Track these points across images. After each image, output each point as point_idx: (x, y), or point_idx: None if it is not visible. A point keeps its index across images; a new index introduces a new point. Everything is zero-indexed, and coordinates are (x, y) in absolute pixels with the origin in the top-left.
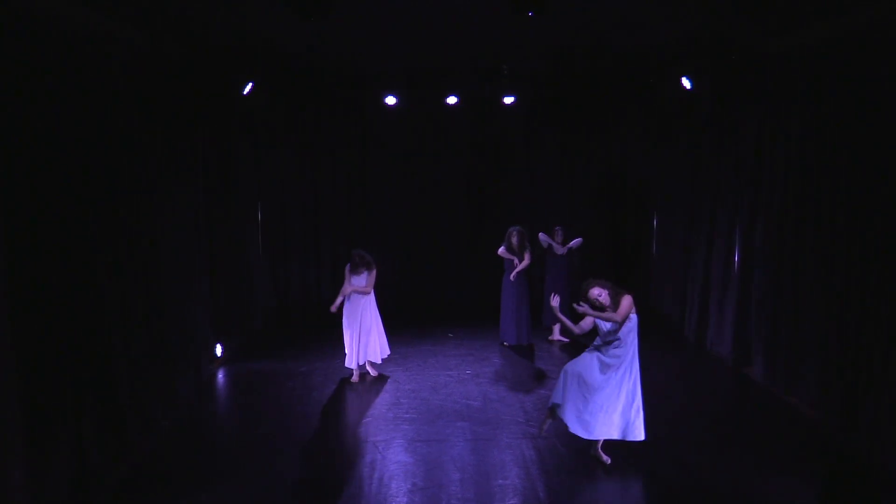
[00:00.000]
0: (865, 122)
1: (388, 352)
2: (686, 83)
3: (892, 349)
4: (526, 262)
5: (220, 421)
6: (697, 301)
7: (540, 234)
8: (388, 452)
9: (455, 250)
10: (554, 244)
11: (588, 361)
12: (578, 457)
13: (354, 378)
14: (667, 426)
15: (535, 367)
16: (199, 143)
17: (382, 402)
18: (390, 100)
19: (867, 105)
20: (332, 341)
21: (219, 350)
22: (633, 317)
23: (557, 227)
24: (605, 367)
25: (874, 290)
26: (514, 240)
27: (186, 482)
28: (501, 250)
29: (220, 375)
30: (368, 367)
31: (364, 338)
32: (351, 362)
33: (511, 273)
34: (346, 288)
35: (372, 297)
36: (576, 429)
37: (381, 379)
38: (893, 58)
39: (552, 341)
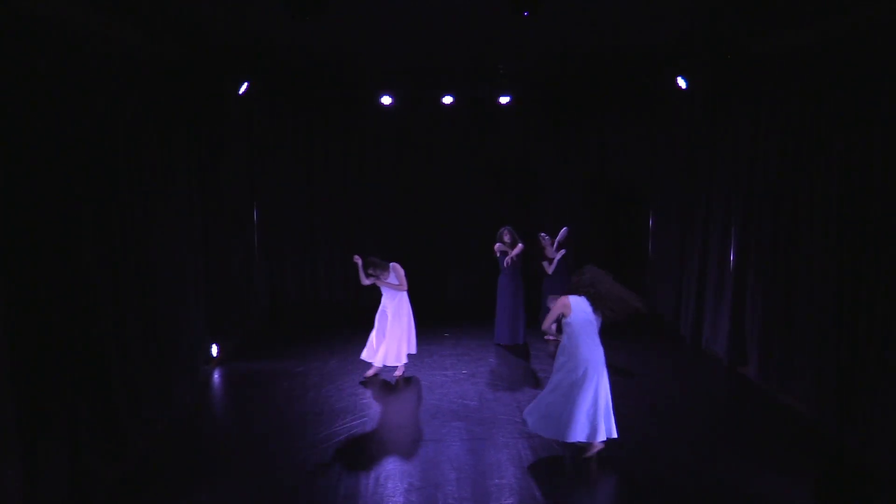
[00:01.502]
0: (860, 122)
1: (405, 359)
2: (681, 83)
3: (887, 347)
4: (519, 247)
5: (217, 421)
6: (693, 300)
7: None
8: (385, 452)
9: (451, 250)
10: (548, 249)
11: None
12: (574, 456)
13: (369, 373)
14: (662, 425)
15: (531, 366)
16: (195, 142)
17: (379, 402)
18: (386, 100)
19: (862, 105)
20: (329, 341)
21: (215, 350)
22: (571, 318)
23: (544, 235)
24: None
25: (869, 288)
26: (507, 238)
27: (183, 482)
28: (497, 246)
29: (217, 376)
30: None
31: (381, 339)
32: (366, 356)
33: (507, 269)
34: (377, 285)
35: (403, 300)
36: (588, 435)
37: (376, 379)
38: (888, 58)
39: (548, 341)
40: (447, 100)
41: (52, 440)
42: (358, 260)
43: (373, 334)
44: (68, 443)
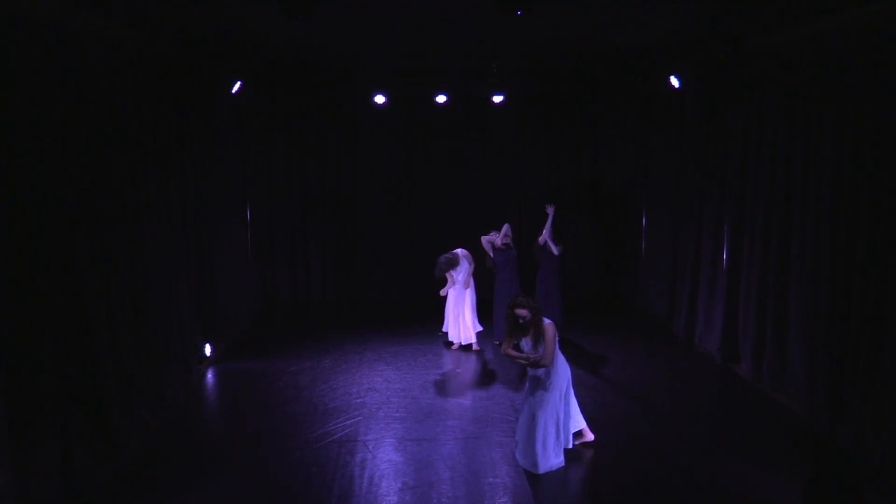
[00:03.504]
0: (852, 121)
1: (472, 337)
2: (674, 81)
3: (879, 345)
4: (506, 227)
5: (209, 421)
6: (686, 298)
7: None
8: (379, 451)
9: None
10: (551, 244)
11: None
12: (567, 454)
13: (474, 346)
14: (655, 423)
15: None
16: (187, 141)
17: (373, 401)
18: (379, 98)
19: (854, 103)
20: (322, 341)
21: (207, 350)
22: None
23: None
24: (538, 394)
25: (861, 286)
26: (492, 237)
27: (175, 483)
28: (485, 243)
29: (209, 376)
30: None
31: (457, 320)
32: (451, 335)
33: (506, 269)
34: (449, 282)
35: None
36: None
37: (373, 377)
38: (883, 55)
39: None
40: (440, 98)
41: (43, 440)
42: (447, 284)
43: (465, 315)
44: (60, 443)
